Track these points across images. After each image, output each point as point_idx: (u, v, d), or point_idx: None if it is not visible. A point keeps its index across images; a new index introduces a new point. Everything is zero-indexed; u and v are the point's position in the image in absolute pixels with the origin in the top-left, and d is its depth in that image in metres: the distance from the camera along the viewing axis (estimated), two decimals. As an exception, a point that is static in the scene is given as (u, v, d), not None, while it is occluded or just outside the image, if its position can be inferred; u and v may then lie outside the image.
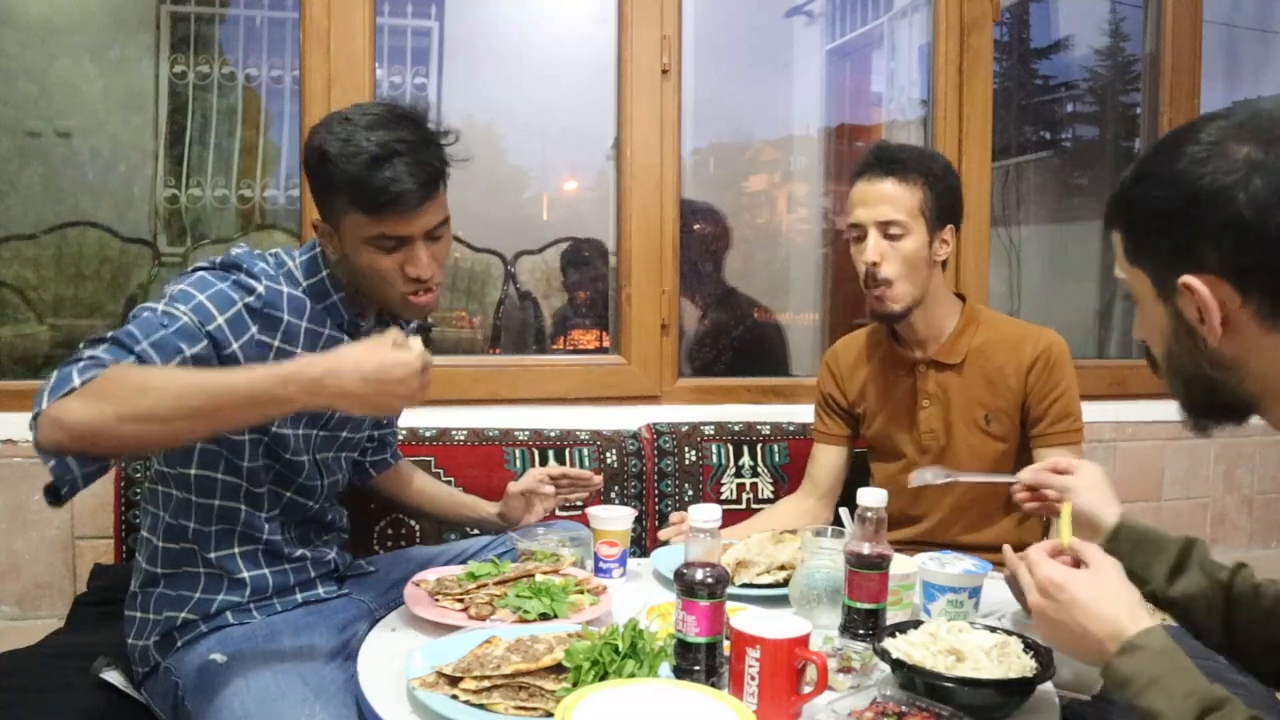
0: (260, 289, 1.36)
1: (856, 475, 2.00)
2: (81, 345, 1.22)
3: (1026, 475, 1.39)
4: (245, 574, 1.44)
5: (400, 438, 2.06)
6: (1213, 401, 1.01)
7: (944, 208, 1.79)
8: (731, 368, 2.66)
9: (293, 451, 1.47)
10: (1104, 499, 1.29)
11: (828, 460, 2.01)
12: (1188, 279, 0.92)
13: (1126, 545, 1.23)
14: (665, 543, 1.75)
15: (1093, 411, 1.82)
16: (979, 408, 1.82)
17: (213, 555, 1.43)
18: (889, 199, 1.75)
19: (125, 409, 1.09)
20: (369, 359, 1.11)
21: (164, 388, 1.11)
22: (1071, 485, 1.31)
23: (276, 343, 1.38)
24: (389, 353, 1.12)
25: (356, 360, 1.11)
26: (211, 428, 1.17)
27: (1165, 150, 0.97)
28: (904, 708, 1.07)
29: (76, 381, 1.11)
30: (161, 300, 1.31)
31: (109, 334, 1.23)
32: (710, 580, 1.13)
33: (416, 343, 1.16)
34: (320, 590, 1.52)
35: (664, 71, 2.40)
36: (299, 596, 1.50)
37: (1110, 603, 1.00)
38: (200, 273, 1.36)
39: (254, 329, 1.34)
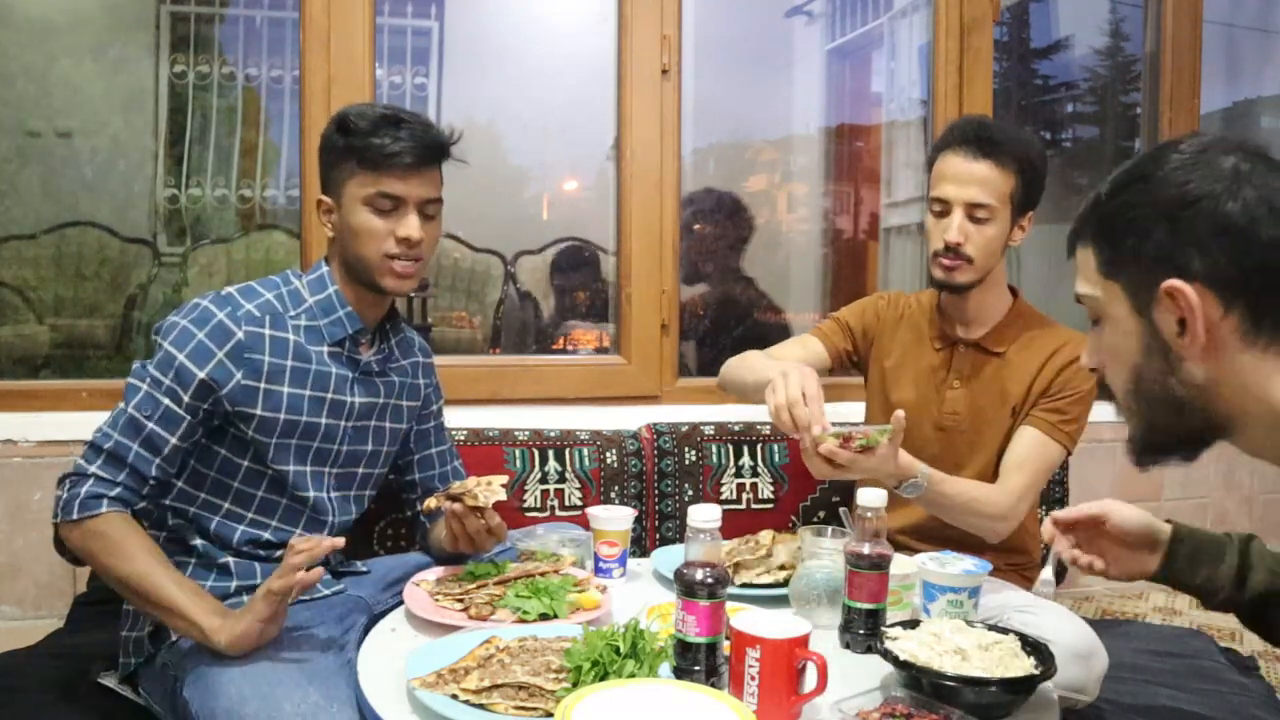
0: (240, 335, 1.41)
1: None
2: (87, 448, 1.38)
3: (1061, 514, 1.26)
4: (231, 562, 1.47)
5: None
6: (1176, 427, 0.98)
7: (1031, 195, 1.74)
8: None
9: (301, 489, 1.50)
10: (1147, 515, 1.24)
11: (809, 356, 1.90)
12: (1173, 283, 0.90)
13: (1185, 557, 1.20)
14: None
15: (1093, 411, 1.81)
16: (1008, 401, 1.76)
17: (198, 544, 1.47)
18: (981, 181, 1.69)
19: (98, 564, 1.35)
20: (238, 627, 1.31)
21: (118, 568, 1.33)
22: (1112, 510, 1.23)
23: (262, 385, 1.43)
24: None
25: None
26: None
27: (1146, 161, 0.97)
28: (912, 709, 1.07)
29: (75, 516, 1.34)
30: (153, 362, 1.41)
31: (107, 443, 1.37)
32: (710, 580, 1.13)
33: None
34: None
35: (664, 71, 2.40)
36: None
37: None
38: (184, 322, 1.41)
39: (238, 375, 1.41)
